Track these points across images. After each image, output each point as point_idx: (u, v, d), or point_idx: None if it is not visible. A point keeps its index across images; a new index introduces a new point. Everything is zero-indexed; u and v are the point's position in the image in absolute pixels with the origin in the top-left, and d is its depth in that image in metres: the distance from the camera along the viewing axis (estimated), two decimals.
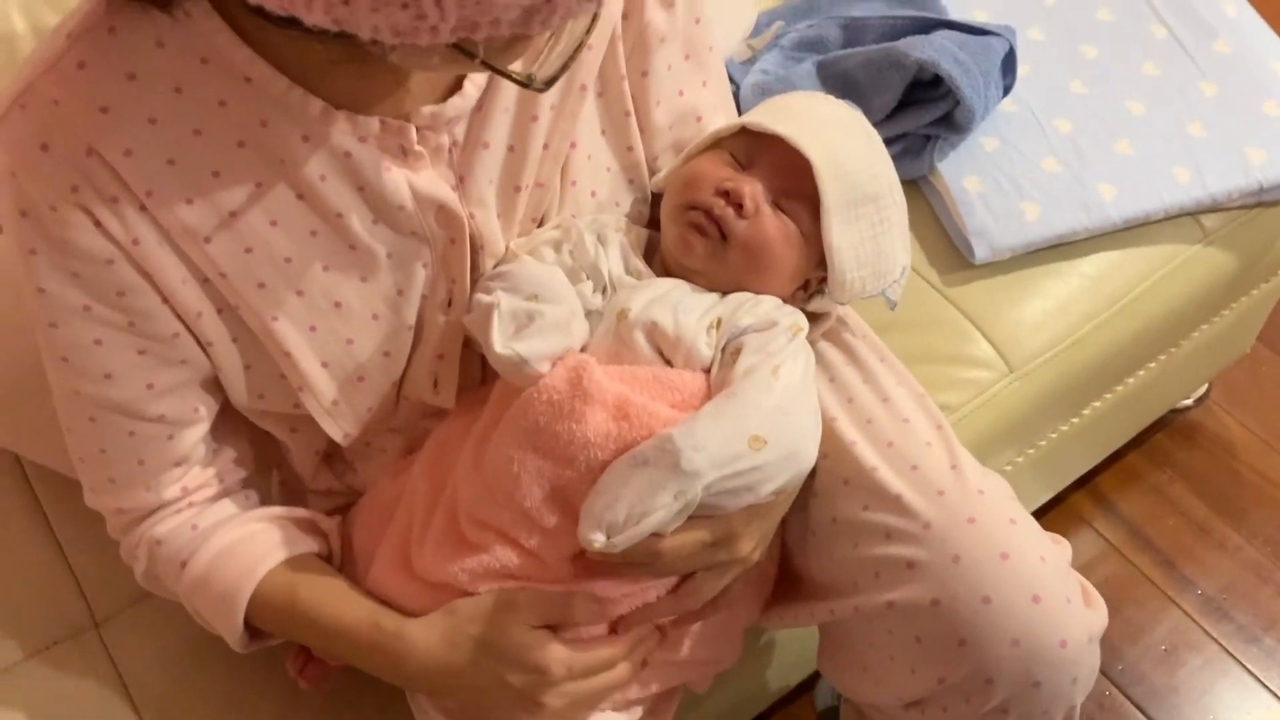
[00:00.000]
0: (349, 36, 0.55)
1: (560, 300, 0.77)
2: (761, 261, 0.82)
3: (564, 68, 0.64)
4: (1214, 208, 1.19)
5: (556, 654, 0.75)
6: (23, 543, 1.02)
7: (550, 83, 0.63)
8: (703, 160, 0.85)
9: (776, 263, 0.82)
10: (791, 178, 0.82)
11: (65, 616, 0.99)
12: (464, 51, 0.58)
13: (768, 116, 0.85)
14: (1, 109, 0.66)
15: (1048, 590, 0.74)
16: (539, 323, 0.75)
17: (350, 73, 0.68)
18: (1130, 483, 1.56)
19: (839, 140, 0.84)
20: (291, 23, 0.54)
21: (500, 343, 0.75)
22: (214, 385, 0.80)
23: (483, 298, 0.77)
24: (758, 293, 0.83)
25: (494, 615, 0.76)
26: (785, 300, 0.85)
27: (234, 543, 0.80)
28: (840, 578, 0.81)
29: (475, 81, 0.76)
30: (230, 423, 0.84)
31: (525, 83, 0.62)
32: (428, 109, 0.74)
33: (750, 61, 1.28)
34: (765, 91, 1.21)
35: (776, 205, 0.82)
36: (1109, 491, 1.55)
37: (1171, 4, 1.29)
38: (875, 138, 0.89)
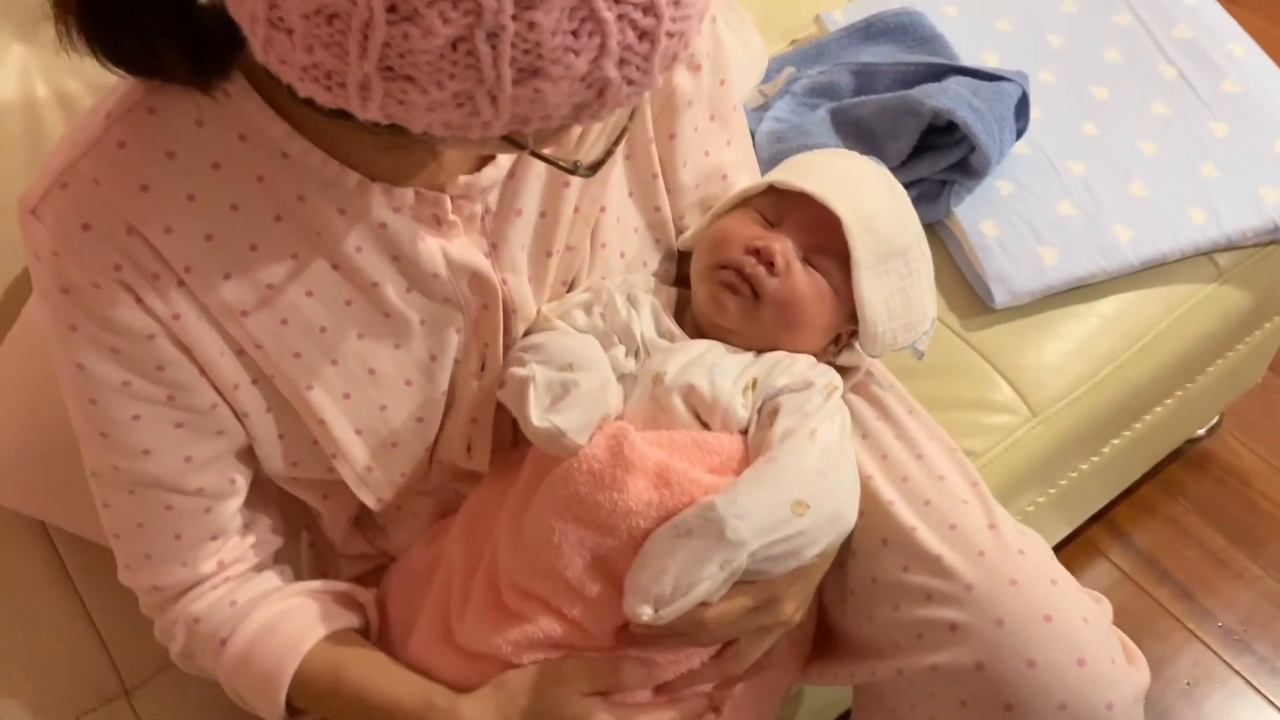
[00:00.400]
0: (399, 127, 0.55)
1: (594, 368, 0.77)
2: (794, 318, 0.82)
3: (608, 154, 0.64)
4: (1229, 246, 1.19)
5: None
6: (51, 610, 1.02)
7: (595, 168, 0.64)
8: (731, 219, 0.86)
9: (809, 319, 0.83)
10: (821, 234, 0.82)
11: (95, 684, 0.98)
12: (514, 142, 0.58)
13: (793, 174, 0.85)
14: (42, 189, 0.66)
15: (1092, 653, 0.74)
16: (575, 394, 0.75)
17: (384, 145, 0.68)
18: (1145, 514, 1.56)
19: (865, 196, 0.84)
20: (340, 114, 0.55)
21: (537, 416, 0.75)
22: (248, 456, 0.80)
23: (517, 371, 0.77)
24: (791, 349, 0.83)
25: (545, 687, 0.75)
26: (817, 355, 0.85)
27: (274, 618, 0.80)
28: (880, 638, 0.81)
29: None
30: (262, 494, 0.83)
31: (571, 170, 0.63)
32: (462, 179, 0.74)
33: (763, 108, 1.29)
34: (780, 139, 1.21)
35: (807, 261, 0.83)
36: (1124, 523, 1.56)
37: (1179, 44, 1.30)
38: (900, 191, 0.89)
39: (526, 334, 0.83)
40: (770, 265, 0.81)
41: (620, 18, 0.49)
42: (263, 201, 0.69)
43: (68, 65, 0.98)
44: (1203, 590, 1.49)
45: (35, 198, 0.67)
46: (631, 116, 0.65)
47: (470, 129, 0.53)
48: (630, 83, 0.51)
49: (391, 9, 0.47)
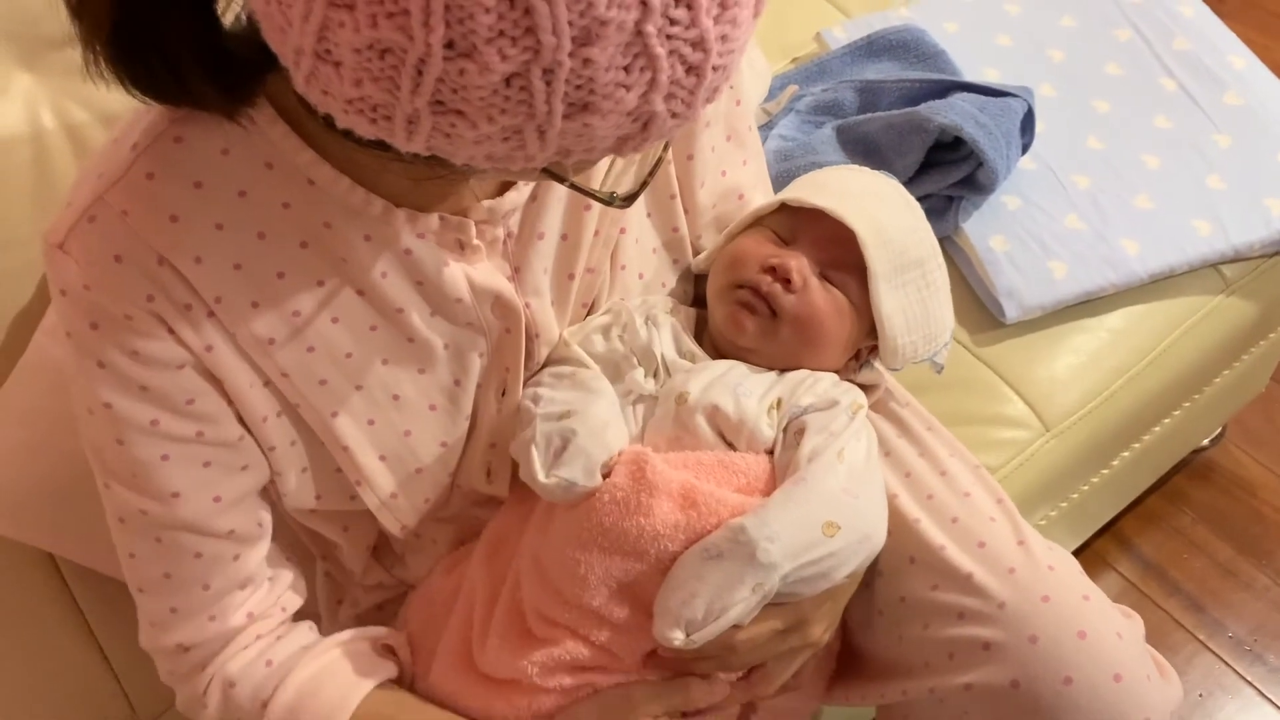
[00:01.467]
0: (436, 158, 0.55)
1: (592, 411, 0.77)
2: (813, 334, 0.82)
3: (643, 185, 0.64)
4: (1235, 258, 1.20)
5: None
6: (62, 644, 1.00)
7: (631, 200, 0.64)
8: (746, 239, 0.85)
9: (828, 335, 0.82)
10: (836, 249, 0.82)
11: (109, 718, 0.97)
12: (553, 174, 0.58)
13: (806, 192, 0.85)
14: (69, 223, 0.65)
15: (1128, 668, 0.73)
16: (574, 443, 0.75)
17: (409, 173, 0.68)
18: (1152, 526, 1.56)
19: (879, 209, 0.84)
20: (376, 145, 0.54)
21: (543, 474, 0.75)
22: (270, 497, 0.79)
23: (521, 433, 0.78)
24: (812, 367, 0.83)
25: (619, 713, 0.74)
26: (838, 372, 0.85)
27: (315, 677, 0.78)
28: (910, 658, 0.81)
29: None
30: (283, 539, 0.82)
31: (608, 201, 0.63)
32: (485, 204, 0.74)
33: (767, 126, 1.29)
34: (786, 156, 1.21)
35: (824, 277, 0.83)
36: (1131, 535, 1.56)
37: (1179, 57, 1.31)
38: (913, 204, 0.90)
39: (547, 361, 0.83)
40: (787, 282, 0.81)
41: (671, 53, 0.48)
42: (289, 229, 0.69)
43: (74, 94, 0.98)
44: (1212, 601, 1.49)
45: (62, 232, 0.65)
46: (666, 148, 0.65)
47: (513, 161, 0.52)
48: (674, 116, 0.51)
49: (449, 45, 0.47)
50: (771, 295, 0.81)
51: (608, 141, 0.52)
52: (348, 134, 0.54)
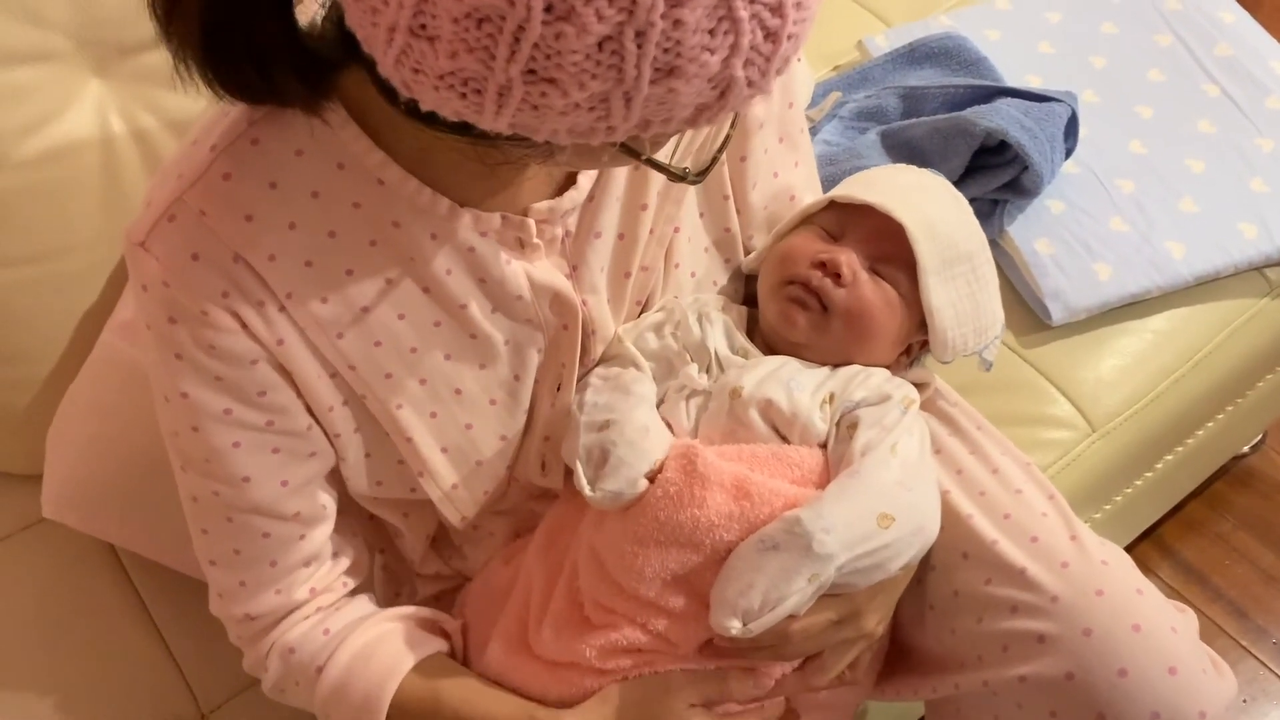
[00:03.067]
0: (492, 142, 0.57)
1: (631, 418, 0.78)
2: (864, 328, 0.83)
3: (714, 161, 0.66)
4: None
5: None
6: (125, 636, 1.03)
7: (703, 175, 0.66)
8: (795, 237, 0.87)
9: (879, 328, 0.84)
10: (885, 243, 0.83)
11: (172, 709, 0.99)
12: (630, 150, 0.60)
13: (854, 189, 0.87)
14: (150, 222, 0.68)
15: (1183, 662, 0.74)
16: (613, 457, 0.77)
17: (475, 173, 0.70)
18: (1193, 532, 1.56)
19: (927, 203, 0.86)
20: (459, 129, 0.56)
21: (588, 488, 0.77)
22: (335, 480, 0.81)
23: (568, 441, 0.80)
24: (864, 362, 0.84)
25: (655, 698, 0.76)
26: (889, 366, 0.86)
27: (369, 644, 0.81)
28: (963, 651, 0.82)
29: (588, 174, 0.78)
30: (348, 522, 0.85)
31: (682, 176, 0.64)
32: (545, 203, 0.76)
33: (811, 132, 1.30)
34: (832, 161, 1.23)
35: (873, 271, 0.84)
36: (1172, 541, 1.55)
37: (1221, 63, 1.32)
38: (961, 199, 0.91)
39: (601, 358, 0.85)
40: (837, 277, 0.83)
41: (753, 17, 0.50)
42: (359, 227, 0.71)
43: (143, 101, 1.01)
44: (1254, 607, 1.49)
45: (143, 231, 0.68)
46: (733, 124, 0.67)
47: (595, 134, 0.54)
48: (750, 84, 0.53)
49: (549, 8, 0.48)
50: (822, 290, 0.83)
51: (687, 110, 0.53)
52: (430, 118, 0.55)
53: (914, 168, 0.95)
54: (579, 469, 0.78)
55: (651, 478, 0.77)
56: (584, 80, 0.50)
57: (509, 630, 0.84)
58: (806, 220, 0.88)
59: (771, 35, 0.51)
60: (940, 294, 0.83)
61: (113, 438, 0.98)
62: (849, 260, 0.83)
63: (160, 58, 0.98)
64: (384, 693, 0.79)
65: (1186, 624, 0.78)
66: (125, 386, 0.97)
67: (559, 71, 0.50)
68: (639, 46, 0.49)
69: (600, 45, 0.49)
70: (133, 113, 1.01)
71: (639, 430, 0.78)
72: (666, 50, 0.50)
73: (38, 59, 0.95)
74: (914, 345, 0.87)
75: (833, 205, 0.87)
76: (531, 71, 0.50)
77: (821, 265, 0.83)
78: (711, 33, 0.50)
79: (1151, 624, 0.75)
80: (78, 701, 0.99)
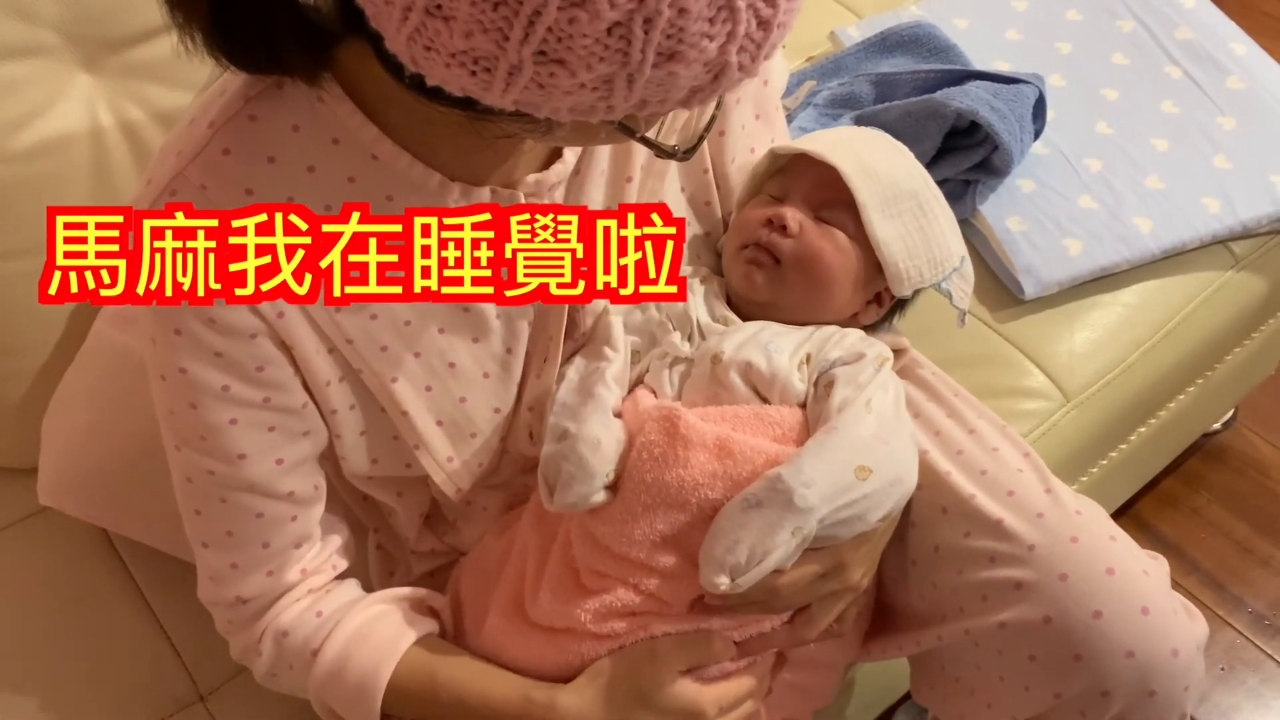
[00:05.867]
0: (492, 117, 0.59)
1: (582, 432, 0.80)
2: (819, 274, 0.86)
3: (700, 140, 0.69)
4: (1244, 234, 1.24)
5: (707, 694, 0.78)
6: (122, 620, 1.04)
7: (691, 153, 0.68)
8: (746, 209, 0.91)
9: (833, 272, 0.86)
10: (826, 190, 0.87)
11: (170, 692, 1.00)
12: (626, 128, 0.62)
13: (793, 144, 0.90)
14: (151, 198, 0.70)
15: (1155, 602, 0.77)
16: (564, 474, 0.80)
17: (467, 148, 0.72)
18: (1168, 507, 1.59)
19: (862, 148, 0.89)
20: (462, 104, 0.58)
21: (549, 503, 0.81)
22: (327, 461, 0.83)
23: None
24: (828, 309, 0.87)
25: (643, 667, 0.78)
26: (861, 316, 0.89)
27: (365, 625, 0.82)
28: (944, 603, 0.84)
29: (573, 148, 0.80)
30: (337, 505, 0.86)
31: (671, 153, 0.67)
32: (532, 177, 0.78)
33: (786, 120, 1.33)
34: None
35: (819, 220, 0.87)
36: (1148, 517, 1.59)
37: (1183, 46, 1.36)
38: (901, 146, 0.94)
39: (590, 332, 0.87)
40: (783, 229, 0.86)
41: (748, 7, 0.53)
42: (354, 201, 0.73)
43: (131, 94, 1.03)
44: (1230, 578, 1.52)
45: (144, 206, 0.70)
46: (718, 105, 0.69)
47: (595, 112, 0.56)
48: (741, 69, 0.55)
49: None
50: (771, 244, 0.86)
51: (682, 93, 0.56)
52: (433, 93, 0.58)
53: (853, 127, 0.97)
54: (540, 480, 0.81)
55: (612, 487, 0.80)
56: (591, 62, 0.52)
57: (505, 600, 0.86)
58: (756, 191, 0.91)
59: (764, 24, 0.54)
60: (885, 228, 0.86)
61: (106, 425, 0.99)
62: (793, 213, 0.86)
63: (147, 52, 1.03)
64: (381, 673, 0.80)
65: (1158, 568, 0.80)
66: (118, 374, 0.98)
67: (568, 54, 0.52)
68: (646, 32, 0.51)
69: (610, 30, 0.51)
70: (121, 106, 1.02)
71: (590, 445, 0.79)
72: (670, 36, 0.52)
73: (27, 54, 0.97)
74: (883, 294, 0.90)
75: (780, 172, 0.90)
76: (542, 53, 0.52)
77: (768, 223, 0.86)
78: (711, 21, 0.52)
79: (1124, 568, 0.77)
80: (77, 687, 1.00)
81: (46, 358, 1.07)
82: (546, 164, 0.79)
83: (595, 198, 0.82)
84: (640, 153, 0.83)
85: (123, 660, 1.02)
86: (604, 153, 0.82)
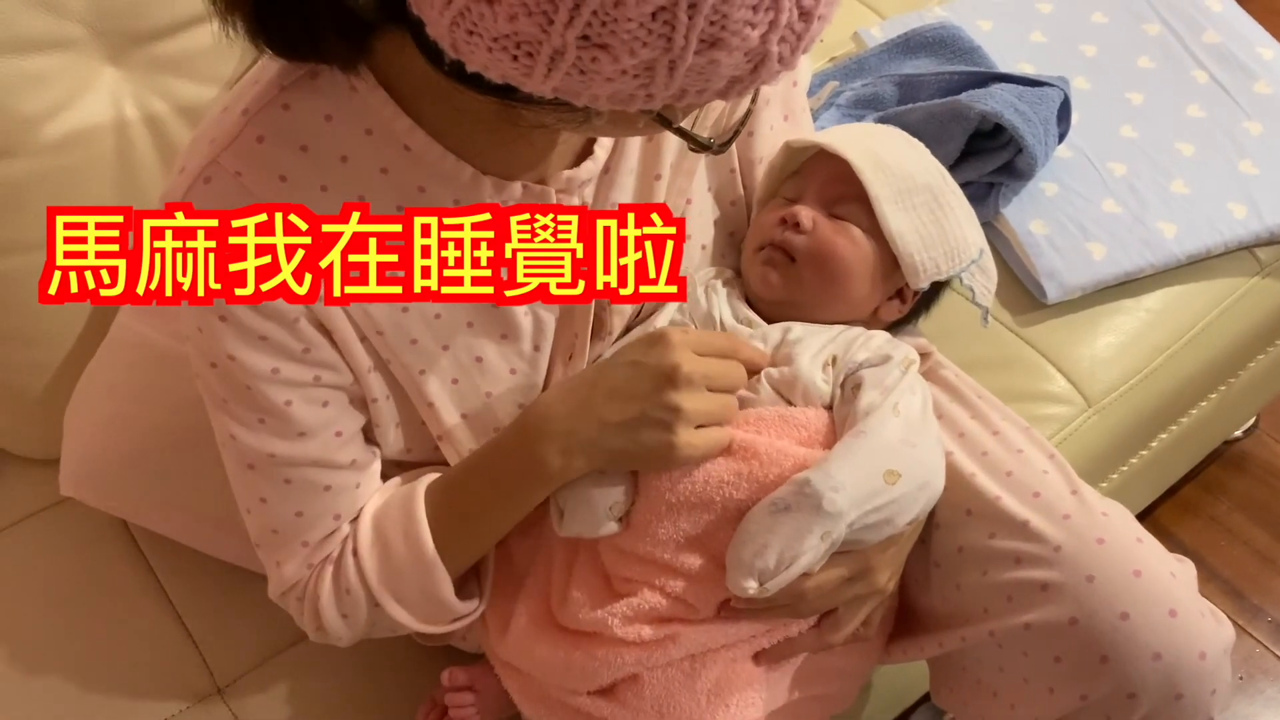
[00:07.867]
0: (531, 106, 0.59)
1: None
2: (834, 269, 0.86)
3: (736, 133, 0.68)
4: (1270, 240, 1.23)
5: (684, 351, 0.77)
6: (140, 613, 1.04)
7: (725, 146, 0.68)
8: (762, 213, 0.90)
9: (848, 266, 0.86)
10: (838, 185, 0.86)
11: (189, 684, 1.00)
12: (663, 119, 0.62)
13: (806, 137, 0.90)
14: (185, 185, 0.70)
15: (1182, 605, 0.76)
16: (567, 508, 0.81)
17: (500, 140, 0.72)
18: (1188, 514, 1.58)
19: (875, 143, 0.89)
20: (501, 91, 0.58)
21: (560, 528, 0.82)
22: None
23: None
24: (848, 306, 0.87)
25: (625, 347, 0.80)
26: (883, 313, 0.88)
27: (379, 501, 0.83)
28: (969, 605, 0.84)
29: (604, 145, 0.80)
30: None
31: (707, 146, 0.67)
32: (564, 173, 0.78)
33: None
34: None
35: (833, 216, 0.87)
36: (1168, 524, 1.58)
37: (1210, 50, 1.35)
38: (916, 142, 0.93)
39: (624, 333, 0.87)
40: (796, 226, 0.85)
41: None
42: (386, 192, 0.73)
43: (156, 88, 1.03)
44: (1250, 587, 1.51)
45: (179, 194, 0.70)
46: (754, 99, 0.69)
47: (634, 101, 0.56)
48: (781, 60, 0.55)
49: None
50: (786, 243, 0.86)
51: (721, 82, 0.56)
52: (472, 80, 0.57)
53: (869, 124, 0.97)
54: (551, 502, 0.82)
55: (620, 518, 0.80)
56: (635, 48, 0.52)
57: (532, 602, 0.86)
58: (772, 194, 0.91)
59: (805, 14, 0.54)
60: (899, 220, 0.85)
61: (129, 417, 0.99)
62: (805, 210, 0.86)
63: (173, 46, 1.03)
64: (414, 506, 0.81)
65: (1185, 571, 0.80)
66: (141, 367, 0.99)
67: (612, 38, 0.52)
68: (690, 18, 0.51)
69: (655, 15, 0.51)
70: (145, 99, 1.03)
71: (593, 476, 0.80)
72: (713, 23, 0.52)
73: (54, 47, 0.97)
74: (905, 290, 0.89)
75: (795, 174, 0.90)
76: (586, 37, 0.52)
77: (782, 222, 0.86)
78: (755, 8, 0.52)
79: (1151, 569, 0.77)
80: (97, 677, 1.00)
81: (69, 350, 1.07)
82: (577, 161, 0.79)
83: (624, 195, 0.82)
84: (669, 151, 0.83)
85: (141, 651, 1.02)
86: (634, 150, 0.82)
